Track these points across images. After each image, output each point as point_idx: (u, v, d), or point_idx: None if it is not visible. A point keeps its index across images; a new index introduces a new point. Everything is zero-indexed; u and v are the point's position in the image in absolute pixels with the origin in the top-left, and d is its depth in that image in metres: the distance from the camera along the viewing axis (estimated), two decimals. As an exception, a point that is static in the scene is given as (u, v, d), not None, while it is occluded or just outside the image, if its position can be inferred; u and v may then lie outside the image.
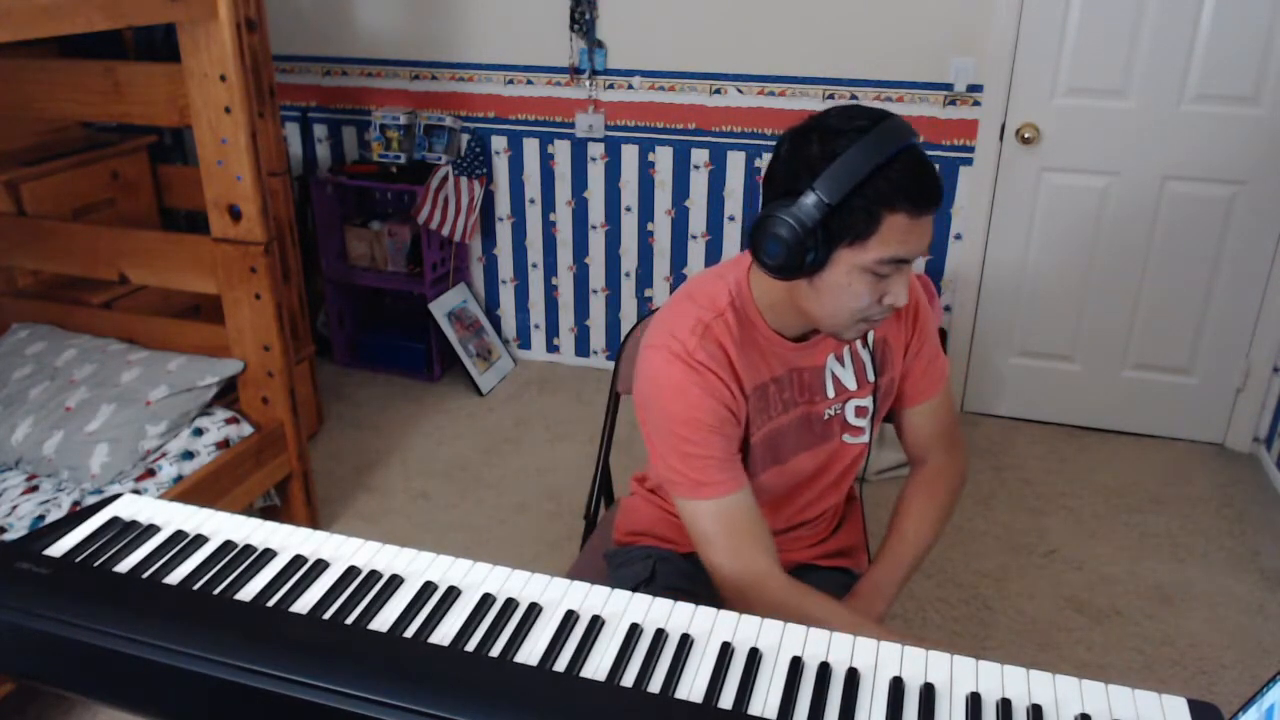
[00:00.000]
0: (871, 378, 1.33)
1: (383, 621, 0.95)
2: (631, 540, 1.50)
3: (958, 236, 3.05)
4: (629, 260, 3.40)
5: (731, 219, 3.23)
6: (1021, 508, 2.73)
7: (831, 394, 1.32)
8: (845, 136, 1.08)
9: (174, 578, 1.01)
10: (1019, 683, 0.89)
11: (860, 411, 1.35)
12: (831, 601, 1.21)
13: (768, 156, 1.23)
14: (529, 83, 3.26)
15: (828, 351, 1.30)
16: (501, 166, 3.41)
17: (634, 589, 1.37)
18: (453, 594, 0.98)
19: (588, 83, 3.18)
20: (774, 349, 1.26)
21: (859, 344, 1.32)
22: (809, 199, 1.08)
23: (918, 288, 1.38)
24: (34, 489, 2.08)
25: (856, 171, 1.07)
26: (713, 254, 3.29)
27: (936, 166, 1.13)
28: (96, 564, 1.02)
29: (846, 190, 1.07)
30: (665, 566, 1.40)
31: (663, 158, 3.22)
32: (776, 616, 1.09)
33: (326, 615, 0.95)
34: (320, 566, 1.02)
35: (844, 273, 1.12)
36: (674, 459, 1.21)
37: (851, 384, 1.33)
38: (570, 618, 0.95)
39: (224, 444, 2.25)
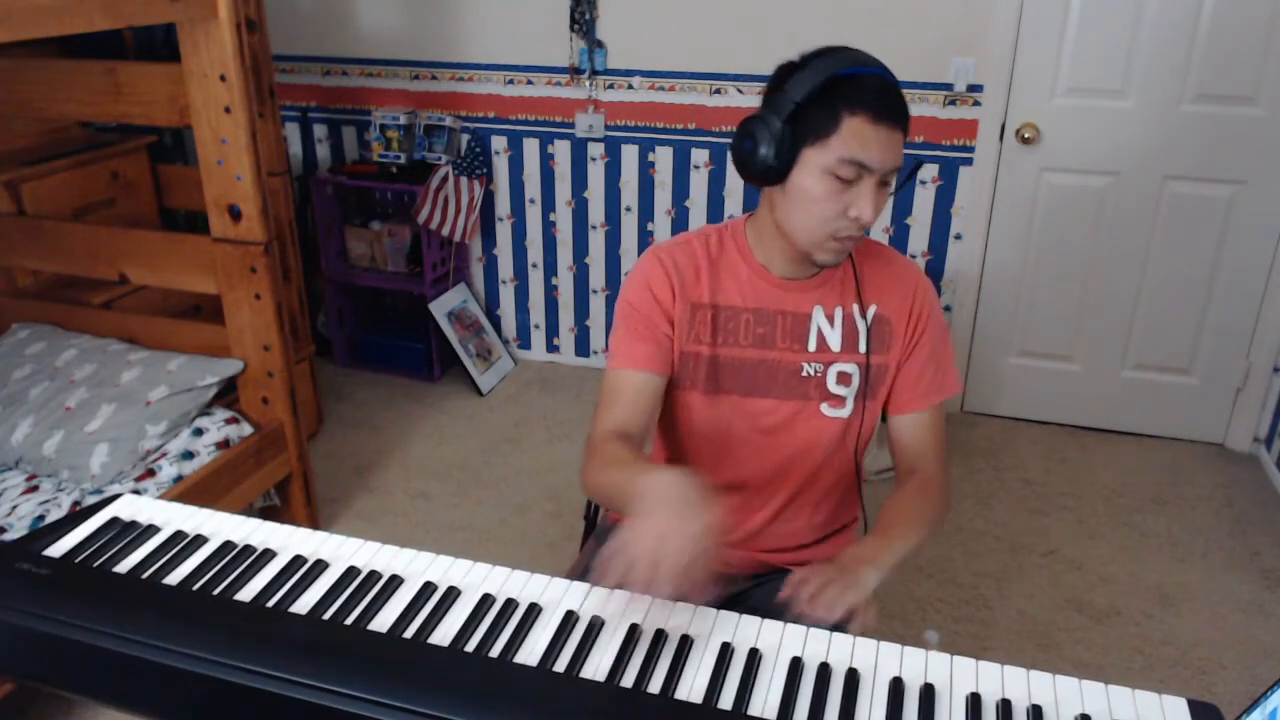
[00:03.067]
0: (862, 349, 1.32)
1: (383, 622, 0.95)
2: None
3: (958, 236, 3.05)
4: (629, 260, 3.40)
5: (732, 218, 3.23)
6: (1021, 508, 2.73)
7: (813, 348, 1.32)
8: (825, 53, 1.18)
9: (174, 578, 1.01)
10: (1019, 683, 0.89)
11: (842, 379, 1.33)
12: (631, 455, 1.21)
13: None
14: (529, 83, 3.26)
15: (814, 302, 1.32)
16: (501, 166, 3.41)
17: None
18: (453, 594, 0.98)
19: (588, 83, 3.18)
20: (755, 281, 1.32)
21: (856, 311, 1.32)
22: (781, 100, 1.17)
23: (929, 292, 1.35)
24: (34, 489, 2.08)
25: (823, 73, 1.15)
26: (713, 254, 3.28)
27: (906, 104, 1.18)
28: (96, 564, 1.02)
29: (812, 88, 1.15)
30: None
31: (663, 158, 3.22)
32: (595, 478, 1.22)
33: (326, 615, 0.95)
34: (320, 566, 1.02)
35: (809, 174, 1.18)
36: (612, 333, 1.35)
37: (836, 345, 1.33)
38: (570, 618, 0.95)
39: (224, 444, 2.25)
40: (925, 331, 1.35)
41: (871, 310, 1.33)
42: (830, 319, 1.32)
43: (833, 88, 1.15)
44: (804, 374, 1.33)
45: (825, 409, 1.34)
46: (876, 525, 1.25)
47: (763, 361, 1.33)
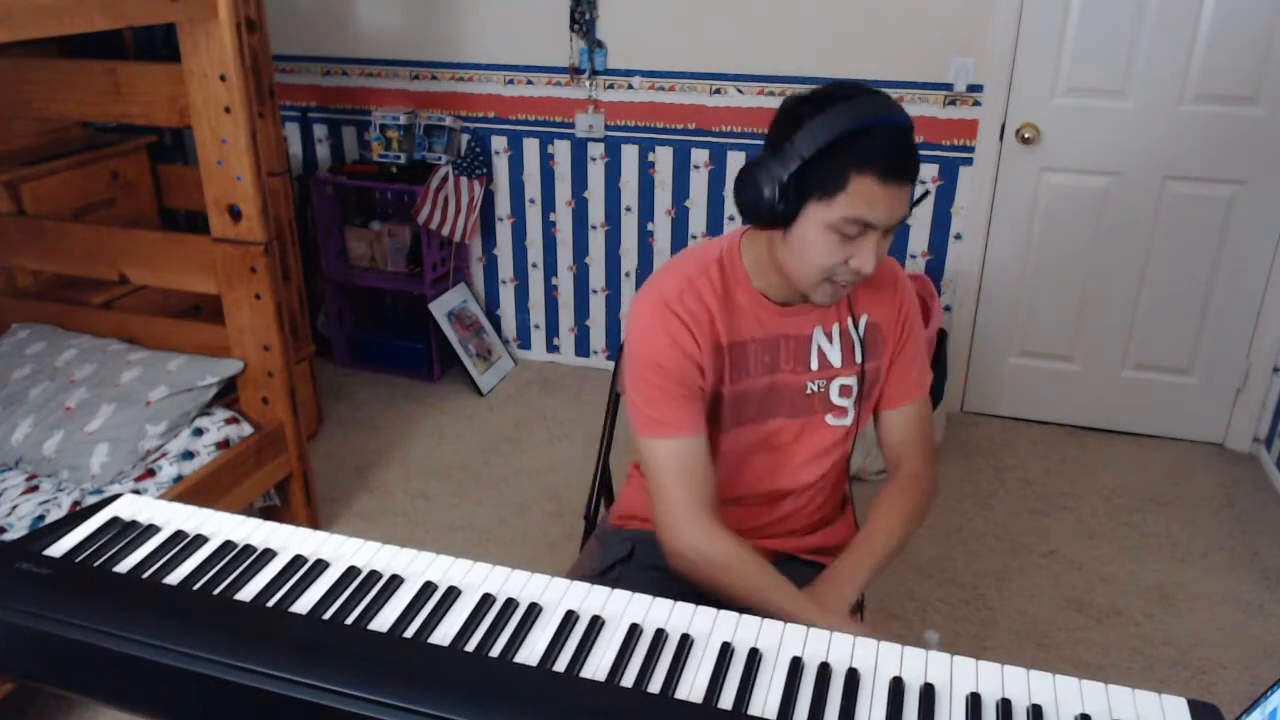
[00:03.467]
0: (859, 359, 1.36)
1: (383, 621, 0.94)
2: (622, 523, 1.53)
3: (958, 236, 3.05)
4: (629, 260, 3.40)
5: (732, 219, 3.23)
6: (1021, 508, 2.73)
7: (815, 367, 1.35)
8: (836, 100, 1.15)
9: (174, 578, 1.01)
10: (1019, 683, 0.89)
11: (844, 391, 1.37)
12: (756, 566, 1.23)
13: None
14: (529, 83, 3.26)
15: (814, 323, 1.34)
16: (501, 166, 3.41)
17: (611, 566, 1.41)
18: (453, 594, 0.98)
19: (588, 83, 3.18)
20: (757, 310, 1.31)
21: (850, 324, 1.35)
22: (789, 151, 1.15)
23: (911, 289, 1.40)
24: (34, 489, 2.08)
25: (833, 129, 1.13)
26: (713, 254, 3.29)
27: (918, 150, 1.18)
28: (96, 564, 1.02)
29: (820, 145, 1.13)
30: (644, 547, 1.42)
31: (663, 158, 3.22)
32: (696, 565, 1.21)
33: (326, 615, 0.95)
34: (320, 566, 1.02)
35: (812, 227, 1.18)
36: (638, 397, 1.28)
37: (837, 361, 1.36)
38: (570, 618, 0.95)
39: (224, 444, 2.25)
40: (911, 330, 1.40)
41: (863, 320, 1.36)
42: (829, 336, 1.35)
43: (843, 143, 1.13)
44: (808, 391, 1.36)
45: (829, 419, 1.38)
46: (860, 533, 1.35)
47: (771, 385, 1.34)
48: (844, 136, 1.12)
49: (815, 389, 1.36)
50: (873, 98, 1.15)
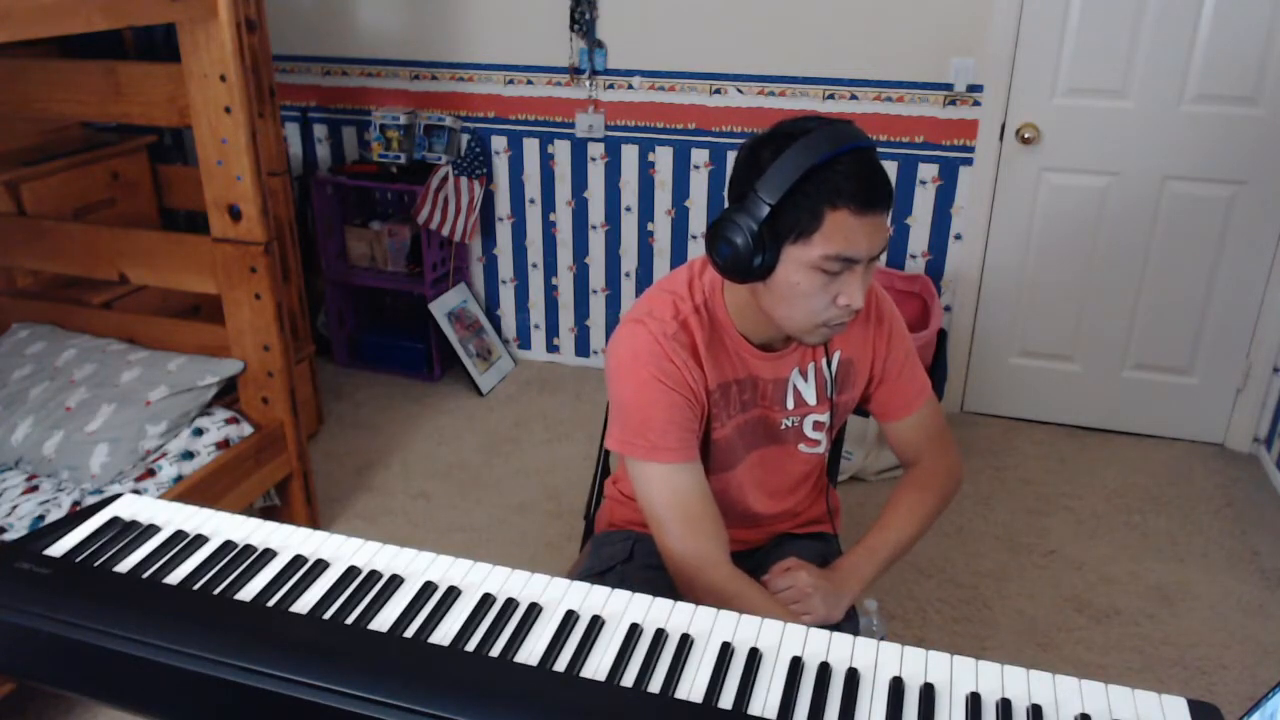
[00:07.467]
0: (830, 395, 1.38)
1: (383, 621, 0.95)
2: (620, 525, 1.55)
3: (958, 236, 3.05)
4: (629, 260, 3.40)
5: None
6: (1021, 508, 2.73)
7: (791, 405, 1.36)
8: (791, 139, 1.12)
9: (174, 578, 1.01)
10: (1019, 683, 0.89)
11: (818, 426, 1.40)
12: (770, 602, 1.24)
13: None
14: (529, 83, 3.26)
15: (791, 366, 1.35)
16: (501, 166, 3.41)
17: (611, 567, 1.42)
18: (453, 594, 0.98)
19: (588, 83, 3.18)
20: (739, 352, 1.31)
21: (824, 364, 1.36)
22: (756, 200, 1.12)
23: (891, 313, 1.41)
24: (34, 489, 2.08)
25: (796, 169, 1.10)
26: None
27: (887, 172, 1.15)
28: (97, 564, 1.02)
29: (787, 187, 1.10)
30: (643, 547, 1.43)
31: (663, 158, 3.22)
32: (715, 602, 1.17)
33: (326, 615, 0.95)
34: (320, 566, 1.02)
35: (793, 271, 1.16)
36: (636, 420, 1.25)
37: (811, 399, 1.37)
38: (570, 618, 0.95)
39: (224, 444, 2.25)
40: (891, 349, 1.40)
41: (836, 356, 1.37)
42: (804, 375, 1.36)
43: (810, 179, 1.10)
44: (783, 426, 1.38)
45: (802, 448, 1.41)
46: (876, 523, 1.39)
47: (746, 421, 1.36)
48: (810, 172, 1.10)
49: (790, 424, 1.38)
50: (830, 127, 1.12)
